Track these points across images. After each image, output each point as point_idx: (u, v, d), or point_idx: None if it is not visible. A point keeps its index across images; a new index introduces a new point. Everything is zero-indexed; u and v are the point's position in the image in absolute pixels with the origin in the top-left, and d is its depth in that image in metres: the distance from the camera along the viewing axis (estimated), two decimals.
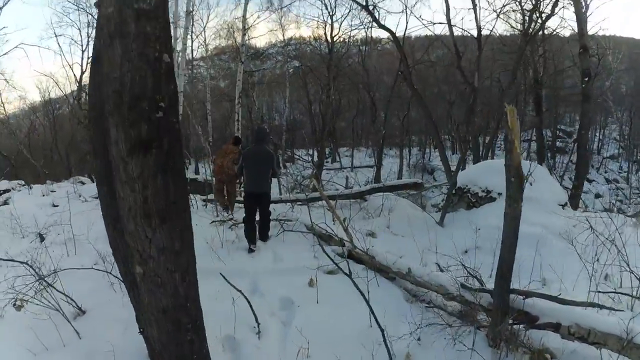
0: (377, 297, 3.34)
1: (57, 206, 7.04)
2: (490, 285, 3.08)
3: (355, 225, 5.78)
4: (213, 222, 6.06)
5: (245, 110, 18.08)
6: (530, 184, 5.92)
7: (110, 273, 3.49)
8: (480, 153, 14.94)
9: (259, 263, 4.69)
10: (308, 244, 5.19)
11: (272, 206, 6.23)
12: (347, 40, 19.28)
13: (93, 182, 11.26)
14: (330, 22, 17.42)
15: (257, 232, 5.31)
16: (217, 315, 2.93)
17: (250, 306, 3.05)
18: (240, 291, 3.20)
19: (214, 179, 7.65)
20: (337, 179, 15.30)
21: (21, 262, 3.38)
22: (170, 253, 1.85)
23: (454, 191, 7.19)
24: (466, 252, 5.03)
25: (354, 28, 19.66)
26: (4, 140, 18.51)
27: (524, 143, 20.39)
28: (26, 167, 15.79)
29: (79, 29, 17.41)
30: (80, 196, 7.59)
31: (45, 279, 3.21)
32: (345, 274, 3.40)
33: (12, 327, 3.14)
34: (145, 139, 1.63)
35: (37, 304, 3.11)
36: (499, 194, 6.40)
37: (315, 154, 19.93)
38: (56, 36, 20.22)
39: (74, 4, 16.88)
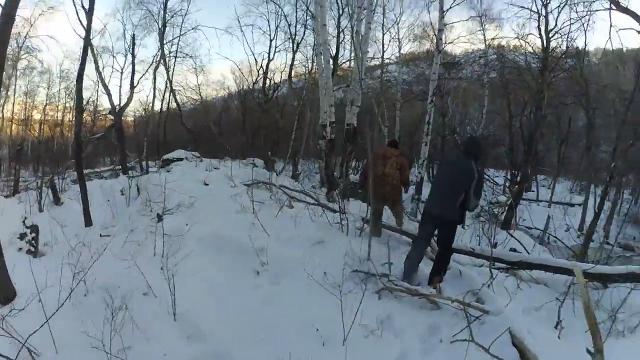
0: None
1: (207, 185, 6.27)
2: None
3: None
4: (356, 271, 3.65)
5: (438, 114, 15.67)
6: None
7: None
8: None
9: None
10: None
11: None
12: (565, 38, 14.48)
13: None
14: (544, 13, 13.14)
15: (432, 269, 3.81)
16: None
17: None
18: None
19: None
20: (533, 214, 11.46)
21: None
22: None
23: None
24: None
25: (574, 20, 13.60)
26: (197, 116, 20.62)
27: None
28: (213, 144, 16.93)
29: (268, 20, 17.46)
30: (231, 179, 6.65)
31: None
32: None
33: None
34: None
35: None
36: None
37: (509, 176, 15.99)
38: (240, 26, 18.63)
39: None
